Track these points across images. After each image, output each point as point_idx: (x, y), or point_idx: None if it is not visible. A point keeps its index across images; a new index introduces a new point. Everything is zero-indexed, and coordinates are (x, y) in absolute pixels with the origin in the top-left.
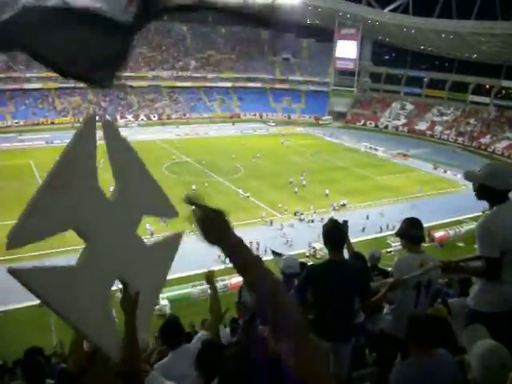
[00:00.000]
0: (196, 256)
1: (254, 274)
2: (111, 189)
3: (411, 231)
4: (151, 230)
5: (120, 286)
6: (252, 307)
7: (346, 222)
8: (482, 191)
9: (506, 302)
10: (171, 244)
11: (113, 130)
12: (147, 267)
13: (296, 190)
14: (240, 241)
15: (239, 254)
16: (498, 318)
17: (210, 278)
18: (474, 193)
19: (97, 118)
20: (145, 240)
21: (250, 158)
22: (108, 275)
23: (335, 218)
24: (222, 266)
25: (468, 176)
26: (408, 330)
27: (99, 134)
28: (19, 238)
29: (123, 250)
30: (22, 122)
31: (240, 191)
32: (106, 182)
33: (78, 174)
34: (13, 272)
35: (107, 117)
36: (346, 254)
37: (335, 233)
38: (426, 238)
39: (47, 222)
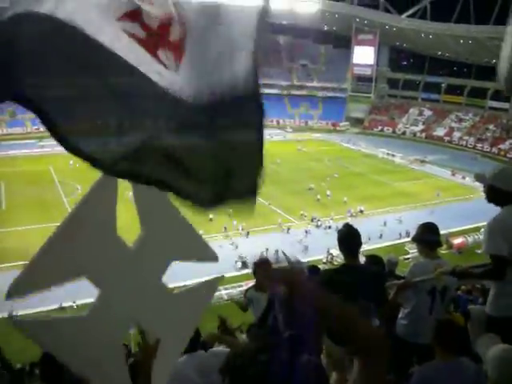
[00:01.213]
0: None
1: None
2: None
3: (426, 236)
4: None
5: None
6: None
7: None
8: (491, 193)
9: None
10: (205, 290)
11: None
12: (172, 316)
13: (318, 197)
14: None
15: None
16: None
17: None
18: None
19: None
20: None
21: (267, 164)
22: (122, 324)
23: (353, 224)
24: (237, 273)
25: (478, 178)
26: (436, 333)
27: None
28: (22, 286)
29: (143, 299)
30: (41, 129)
31: (263, 201)
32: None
33: (95, 221)
34: (18, 324)
35: None
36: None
37: (350, 238)
38: (444, 245)
39: (55, 270)
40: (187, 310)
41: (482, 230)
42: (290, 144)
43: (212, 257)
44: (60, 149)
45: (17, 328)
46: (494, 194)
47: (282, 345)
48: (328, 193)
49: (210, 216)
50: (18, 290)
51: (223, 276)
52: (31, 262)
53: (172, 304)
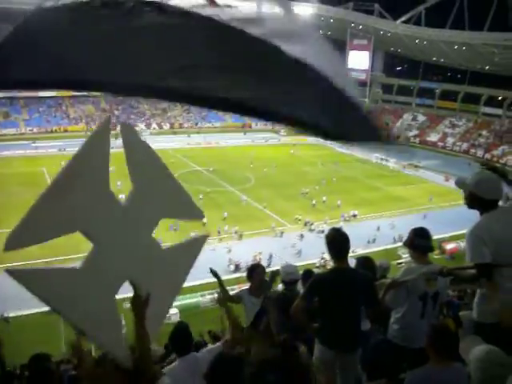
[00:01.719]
0: (205, 264)
1: None
2: (122, 196)
3: (418, 241)
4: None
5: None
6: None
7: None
8: (472, 199)
9: None
10: (192, 247)
11: (131, 132)
12: (162, 270)
13: (314, 202)
14: None
15: None
16: (500, 328)
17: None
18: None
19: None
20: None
21: (261, 168)
22: (115, 277)
23: (346, 228)
24: (232, 276)
25: (458, 183)
26: (430, 338)
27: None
28: (19, 238)
29: (134, 253)
30: (35, 130)
31: (256, 204)
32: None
33: (88, 177)
34: (12, 273)
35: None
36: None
37: (338, 241)
38: (437, 250)
39: (50, 223)
40: (176, 265)
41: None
42: (284, 148)
43: (198, 215)
44: (54, 150)
45: (13, 278)
46: (474, 201)
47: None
48: (324, 198)
49: (204, 220)
50: (15, 242)
51: (208, 235)
52: (27, 215)
53: (162, 259)
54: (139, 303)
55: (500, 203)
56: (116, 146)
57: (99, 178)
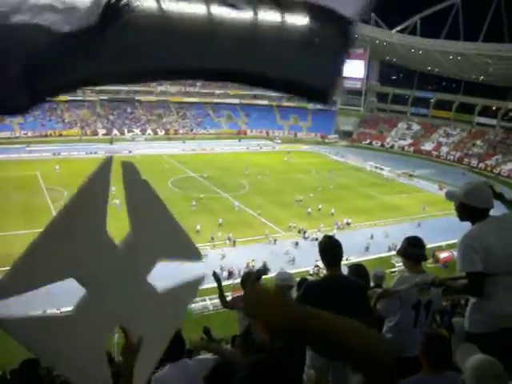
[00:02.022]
0: (197, 271)
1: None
2: (116, 202)
3: (411, 250)
4: None
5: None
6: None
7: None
8: (463, 210)
9: (497, 321)
10: (187, 290)
11: (132, 171)
12: (156, 314)
13: (309, 210)
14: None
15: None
16: (491, 337)
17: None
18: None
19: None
20: (157, 285)
21: (255, 175)
22: (107, 324)
23: (340, 236)
24: (225, 282)
25: (448, 195)
26: (424, 346)
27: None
28: (11, 287)
29: (128, 297)
30: (30, 134)
31: (250, 211)
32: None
33: (84, 221)
34: (1, 322)
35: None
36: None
37: (331, 248)
38: (430, 259)
39: (43, 270)
40: (169, 310)
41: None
42: (278, 155)
43: (197, 256)
44: (48, 154)
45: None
46: (465, 212)
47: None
48: (318, 206)
49: (197, 227)
50: (4, 290)
51: (204, 277)
52: (18, 262)
53: (155, 303)
54: (130, 349)
55: (491, 213)
56: (112, 150)
57: (96, 222)
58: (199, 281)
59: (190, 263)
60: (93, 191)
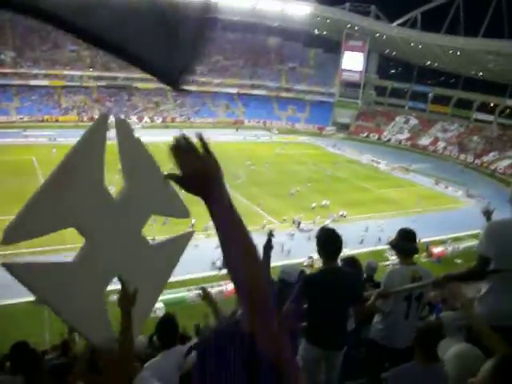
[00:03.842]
0: (192, 260)
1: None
2: (112, 189)
3: (402, 243)
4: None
5: (119, 286)
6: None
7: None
8: None
9: (497, 316)
10: (178, 244)
11: (126, 128)
12: (149, 266)
13: (305, 201)
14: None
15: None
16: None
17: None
18: (474, 210)
19: (110, 117)
20: (150, 239)
21: (251, 166)
22: (106, 273)
23: (335, 228)
24: (218, 272)
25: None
26: (419, 337)
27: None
28: (16, 232)
29: (124, 249)
30: (26, 118)
31: (246, 202)
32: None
33: (83, 173)
34: (8, 267)
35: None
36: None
37: (331, 241)
38: (424, 253)
39: (47, 218)
40: (162, 261)
41: (462, 240)
42: (275, 145)
43: (185, 214)
44: (44, 139)
45: (6, 270)
46: None
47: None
48: (313, 198)
49: (192, 221)
50: (11, 236)
51: (194, 231)
52: (22, 211)
53: (149, 255)
54: (127, 299)
55: None
56: (109, 137)
57: (94, 174)
58: (189, 235)
59: (186, 252)
60: (90, 145)
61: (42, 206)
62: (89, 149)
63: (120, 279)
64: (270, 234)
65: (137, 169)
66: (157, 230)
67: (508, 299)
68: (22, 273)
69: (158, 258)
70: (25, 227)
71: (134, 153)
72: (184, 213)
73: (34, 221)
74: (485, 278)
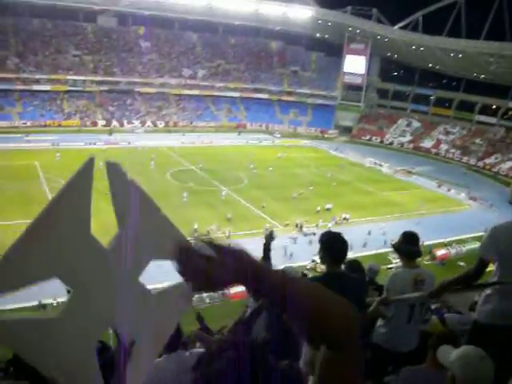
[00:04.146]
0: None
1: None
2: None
3: (406, 246)
4: None
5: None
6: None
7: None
8: None
9: (502, 315)
10: (185, 291)
11: (118, 171)
12: (150, 316)
13: (307, 205)
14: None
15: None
16: (497, 329)
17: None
18: (477, 212)
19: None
20: (153, 286)
21: (254, 169)
22: (96, 326)
23: (339, 232)
24: None
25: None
26: (435, 342)
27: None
28: None
29: (118, 300)
30: (29, 123)
31: (249, 205)
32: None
33: (69, 221)
34: None
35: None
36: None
37: (338, 245)
38: (427, 255)
39: (28, 269)
40: (165, 312)
41: (465, 243)
42: (278, 149)
43: None
44: (47, 144)
45: None
46: None
47: (256, 346)
48: (316, 201)
49: (195, 226)
50: None
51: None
52: (1, 260)
53: (148, 305)
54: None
55: None
56: (111, 142)
57: (80, 222)
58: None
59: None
60: (75, 192)
61: (23, 257)
62: (74, 195)
63: (114, 331)
64: (270, 236)
65: (132, 213)
66: None
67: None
68: None
69: (161, 306)
70: (3, 279)
71: (127, 196)
72: None
73: (13, 272)
74: (485, 287)
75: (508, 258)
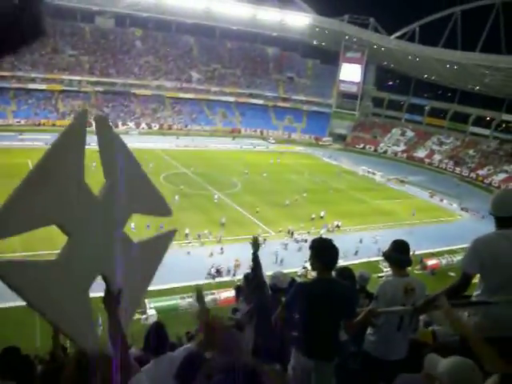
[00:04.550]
0: (185, 268)
1: None
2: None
3: (396, 254)
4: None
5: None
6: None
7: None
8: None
9: (497, 327)
10: (162, 242)
11: (105, 125)
12: (133, 265)
13: (300, 211)
14: None
15: None
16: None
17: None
18: (468, 223)
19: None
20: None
21: (248, 174)
22: (89, 271)
23: (330, 238)
24: (211, 281)
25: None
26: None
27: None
28: None
29: (107, 247)
30: (23, 122)
31: (241, 210)
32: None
33: (63, 170)
34: None
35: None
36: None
37: (328, 252)
38: (418, 265)
39: (27, 215)
40: (147, 259)
41: (456, 253)
42: (272, 155)
43: (167, 212)
44: (40, 143)
45: None
46: (495, 221)
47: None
48: (309, 208)
49: (187, 230)
50: None
51: (176, 230)
52: (2, 208)
53: (132, 253)
54: (112, 299)
55: None
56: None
57: (74, 171)
58: (172, 233)
59: (180, 260)
60: (69, 142)
61: (21, 204)
62: (68, 145)
63: (104, 278)
64: (255, 243)
65: (117, 166)
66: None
67: (505, 311)
68: (3, 270)
69: (143, 255)
70: (4, 225)
71: (114, 150)
72: (166, 211)
73: (12, 219)
74: (461, 294)
75: (491, 271)
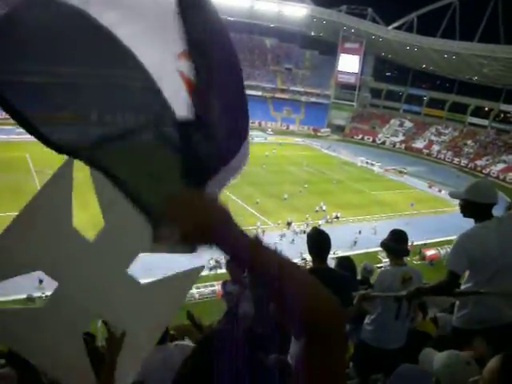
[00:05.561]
0: (184, 260)
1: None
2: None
3: (394, 244)
4: None
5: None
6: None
7: None
8: (467, 207)
9: (485, 318)
10: (181, 282)
11: None
12: (141, 308)
13: (298, 202)
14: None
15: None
16: (475, 334)
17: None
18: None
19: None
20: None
21: (245, 166)
22: (82, 317)
23: (328, 230)
24: (211, 272)
25: (453, 194)
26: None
27: None
28: None
29: (105, 291)
30: None
31: (240, 202)
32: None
33: (50, 216)
34: None
35: None
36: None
37: (320, 241)
38: (417, 256)
39: (11, 262)
40: (160, 303)
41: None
42: (270, 146)
43: (187, 249)
44: None
45: None
46: (469, 209)
47: (244, 339)
48: (307, 199)
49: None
50: None
51: (203, 267)
52: None
53: (142, 296)
54: (112, 344)
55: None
56: None
57: (61, 216)
58: (196, 271)
59: (177, 254)
60: (57, 188)
61: (6, 250)
62: (55, 191)
63: (105, 323)
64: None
65: (117, 204)
66: None
67: (494, 302)
68: None
69: (155, 298)
70: None
71: (112, 189)
72: (186, 248)
73: None
74: (450, 293)
75: (481, 266)
